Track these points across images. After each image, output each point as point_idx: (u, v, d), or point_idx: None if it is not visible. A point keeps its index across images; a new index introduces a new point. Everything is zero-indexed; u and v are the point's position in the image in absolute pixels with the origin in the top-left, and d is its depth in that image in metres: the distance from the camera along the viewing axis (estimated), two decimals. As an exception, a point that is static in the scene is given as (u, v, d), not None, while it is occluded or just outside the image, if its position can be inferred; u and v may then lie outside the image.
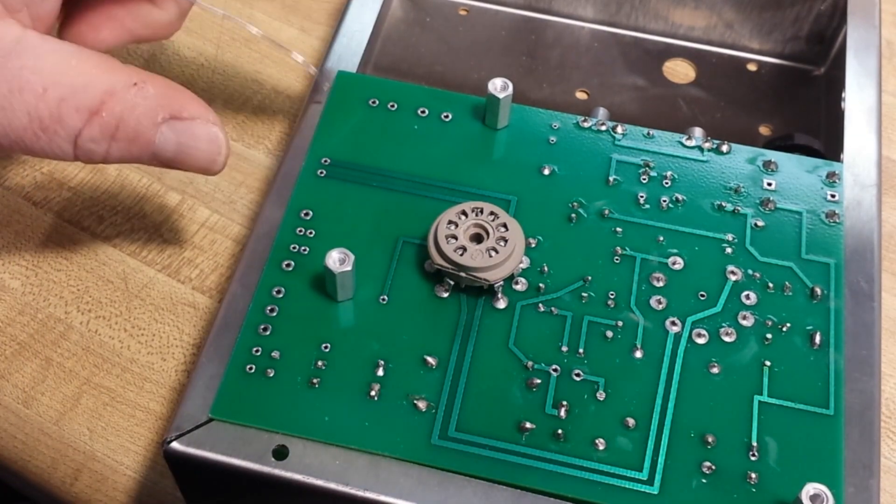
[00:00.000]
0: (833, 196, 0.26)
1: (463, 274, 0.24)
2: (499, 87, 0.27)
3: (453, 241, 0.24)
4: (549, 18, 0.34)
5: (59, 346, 0.28)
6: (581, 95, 0.33)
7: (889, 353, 0.29)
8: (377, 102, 0.28)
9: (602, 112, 0.30)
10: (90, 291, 0.29)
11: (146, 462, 0.26)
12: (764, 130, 0.32)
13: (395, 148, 0.27)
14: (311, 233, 0.25)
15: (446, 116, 0.28)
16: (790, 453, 0.22)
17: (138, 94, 0.23)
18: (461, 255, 0.24)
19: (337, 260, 0.23)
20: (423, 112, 0.28)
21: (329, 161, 0.27)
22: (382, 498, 0.22)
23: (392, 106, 0.28)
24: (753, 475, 0.22)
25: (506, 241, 0.24)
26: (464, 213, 0.24)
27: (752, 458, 0.22)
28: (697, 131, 0.30)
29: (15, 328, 0.28)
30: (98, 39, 0.27)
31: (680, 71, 0.34)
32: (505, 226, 0.24)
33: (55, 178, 0.31)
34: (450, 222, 0.24)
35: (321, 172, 0.27)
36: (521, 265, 0.25)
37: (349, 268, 0.23)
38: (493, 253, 0.24)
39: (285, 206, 0.26)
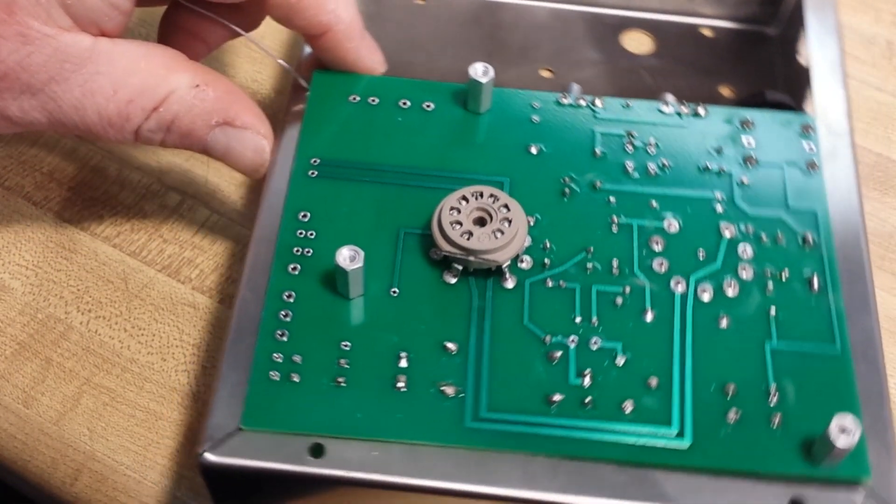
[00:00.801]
0: (810, 147, 0.28)
1: (472, 258, 0.24)
2: (480, 71, 0.27)
3: (458, 226, 0.24)
4: (506, 1, 0.35)
5: (59, 346, 0.28)
6: (546, 74, 0.33)
7: (889, 353, 0.29)
8: (358, 98, 0.28)
9: (576, 88, 0.31)
10: (90, 291, 0.29)
11: (146, 462, 0.26)
12: (726, 92, 0.33)
13: (382, 142, 0.27)
14: (311, 234, 0.25)
15: (428, 106, 0.28)
16: (807, 393, 0.23)
17: (197, 95, 0.25)
18: (468, 239, 0.24)
19: (347, 257, 0.23)
20: (404, 104, 0.28)
21: (319, 161, 0.27)
22: (424, 483, 0.22)
23: (373, 100, 0.28)
24: (776, 418, 0.23)
25: (510, 221, 0.24)
26: (464, 198, 0.25)
27: (773, 403, 0.23)
28: (671, 97, 0.30)
29: (15, 328, 0.28)
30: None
31: (638, 42, 0.34)
32: (506, 206, 0.25)
33: (55, 178, 0.31)
34: (452, 208, 0.25)
35: (312, 173, 0.27)
36: (526, 243, 0.25)
37: (360, 264, 0.23)
38: (498, 234, 0.24)
39: (281, 208, 0.26)
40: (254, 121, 0.27)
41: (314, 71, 0.29)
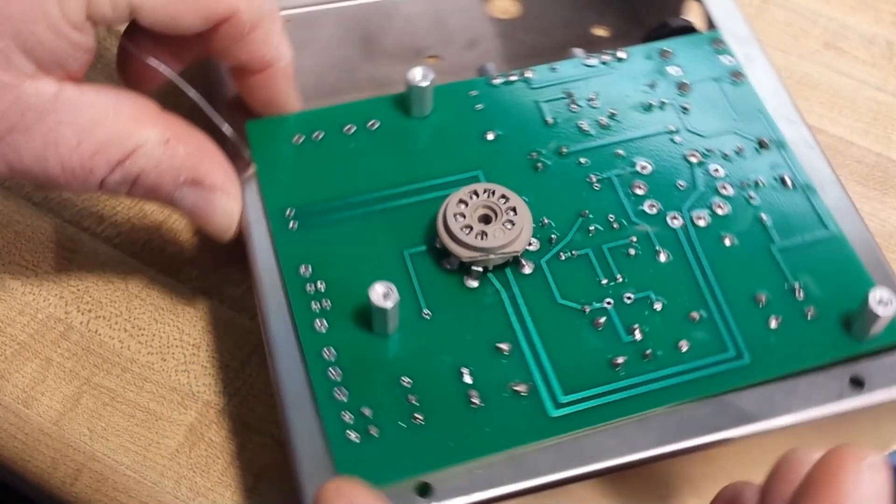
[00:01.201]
0: (729, 60, 0.29)
1: (492, 256, 0.24)
2: (419, 76, 0.27)
3: (470, 230, 0.24)
4: (366, 2, 0.33)
5: (59, 346, 0.28)
6: (433, 62, 0.34)
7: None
8: (302, 138, 0.27)
9: (491, 66, 0.31)
10: (90, 291, 0.29)
11: (146, 462, 0.26)
12: (600, 32, 0.35)
13: (344, 173, 0.27)
14: (321, 285, 0.25)
15: (373, 124, 0.28)
16: (823, 278, 0.25)
17: (167, 151, 0.24)
18: (484, 239, 0.24)
19: (382, 295, 0.23)
20: (349, 129, 0.27)
21: (293, 211, 0.26)
22: (535, 483, 0.22)
23: (318, 135, 0.27)
24: (810, 311, 0.25)
25: (514, 210, 0.25)
26: (462, 202, 0.25)
27: (800, 297, 0.25)
28: (578, 51, 0.32)
29: (15, 328, 0.28)
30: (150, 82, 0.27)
31: (505, 8, 0.35)
32: (504, 197, 0.25)
33: (55, 178, 0.31)
34: (455, 215, 0.25)
35: (293, 225, 0.26)
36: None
37: (397, 296, 0.23)
38: (509, 225, 0.24)
39: (276, 272, 0.25)
40: (224, 181, 0.25)
41: (247, 122, 0.27)
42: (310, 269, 0.25)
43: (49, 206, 0.31)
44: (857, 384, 0.24)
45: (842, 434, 0.25)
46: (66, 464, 0.26)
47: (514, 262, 0.25)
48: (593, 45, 0.33)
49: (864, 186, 0.33)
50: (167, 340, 0.28)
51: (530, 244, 0.25)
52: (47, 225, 0.30)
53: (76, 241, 0.30)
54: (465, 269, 0.25)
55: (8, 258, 0.30)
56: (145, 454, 0.27)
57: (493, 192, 0.25)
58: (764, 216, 0.26)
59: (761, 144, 0.28)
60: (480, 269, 0.25)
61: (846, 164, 0.33)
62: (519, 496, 0.22)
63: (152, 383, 0.28)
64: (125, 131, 0.24)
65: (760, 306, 0.25)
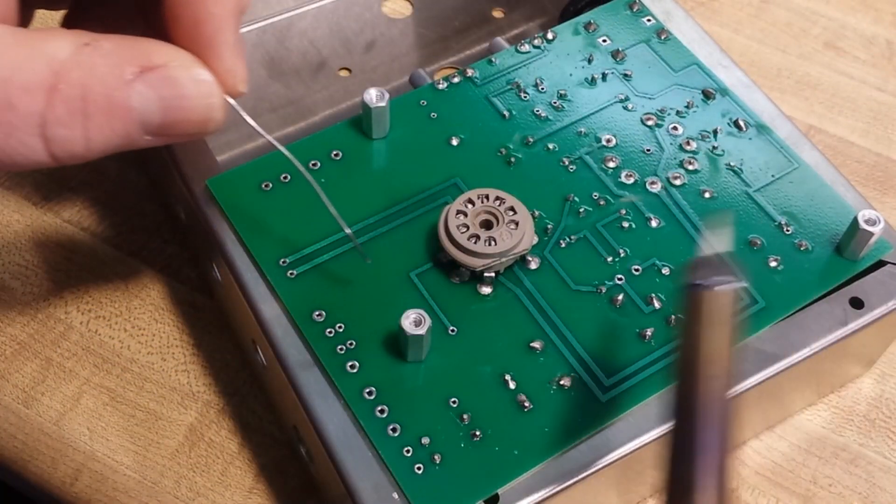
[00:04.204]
0: (648, 20, 0.30)
1: (504, 259, 0.24)
2: (375, 97, 0.27)
3: (476, 239, 0.24)
4: (261, 25, 0.32)
5: (59, 346, 0.28)
6: (344, 74, 0.34)
7: (889, 353, 0.29)
8: (270, 185, 0.26)
9: (422, 72, 0.32)
10: (90, 291, 0.29)
11: (146, 462, 0.26)
12: (498, 14, 0.35)
13: (324, 209, 0.25)
14: (340, 327, 0.24)
15: (336, 154, 0.27)
16: (804, 210, 0.26)
17: (93, 53, 0.19)
18: (493, 244, 0.24)
19: (414, 322, 0.23)
20: (314, 165, 0.27)
21: (286, 261, 0.25)
22: (600, 465, 0.23)
23: (285, 178, 0.26)
24: (803, 244, 0.26)
25: (514, 209, 0.25)
26: (461, 212, 0.25)
27: (789, 232, 0.26)
28: (500, 40, 0.32)
29: (15, 328, 0.28)
30: None
31: (397, 9, 0.35)
32: (499, 199, 0.25)
33: (55, 178, 0.31)
34: (459, 227, 0.24)
35: (291, 273, 0.25)
36: None
37: (429, 321, 0.23)
38: (513, 226, 0.24)
39: (290, 326, 0.24)
40: (173, 52, 0.20)
41: (207, 181, 0.26)
42: (324, 313, 0.24)
43: (49, 206, 0.31)
44: (858, 305, 0.25)
45: (850, 351, 0.26)
46: (66, 464, 0.26)
47: (521, 261, 0.25)
48: (495, 26, 0.34)
49: (864, 186, 0.33)
50: (167, 340, 0.28)
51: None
52: (47, 225, 0.30)
53: (76, 241, 0.30)
54: (475, 277, 0.25)
55: (8, 258, 0.30)
56: (145, 454, 0.27)
57: (488, 197, 0.25)
58: (732, 163, 0.27)
59: (706, 95, 0.28)
60: (493, 274, 0.25)
61: (846, 164, 0.33)
62: (580, 483, 0.23)
63: (152, 383, 0.28)
64: (32, 49, 0.18)
65: (756, 249, 0.26)
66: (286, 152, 0.23)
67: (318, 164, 0.27)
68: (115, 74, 0.19)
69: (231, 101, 0.21)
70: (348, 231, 0.24)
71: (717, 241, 0.21)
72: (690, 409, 0.19)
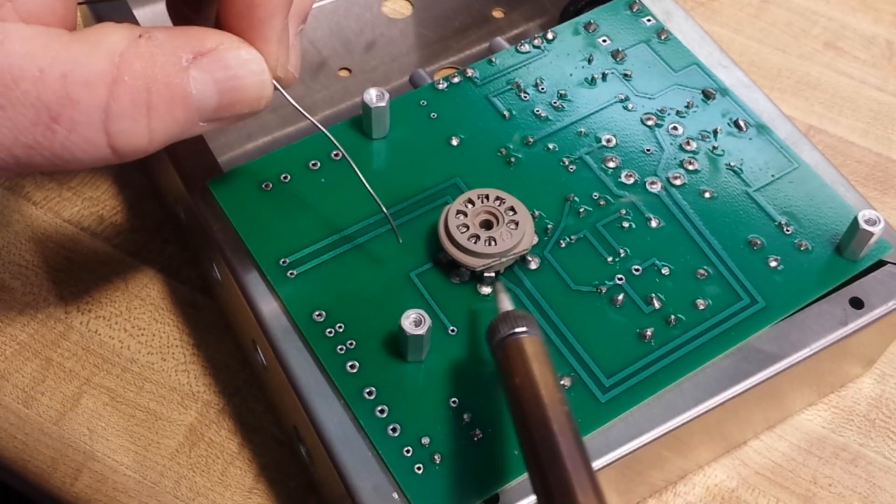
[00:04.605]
0: (649, 20, 0.30)
1: (505, 259, 0.24)
2: (375, 97, 0.26)
3: (477, 239, 0.24)
4: None
5: (59, 346, 0.28)
6: (344, 74, 0.34)
7: (889, 353, 0.29)
8: (270, 185, 0.26)
9: (422, 72, 0.32)
10: (90, 291, 0.29)
11: (146, 462, 0.26)
12: (498, 14, 0.35)
13: (325, 209, 0.26)
14: (340, 327, 0.24)
15: (336, 155, 0.27)
16: (803, 210, 0.26)
17: (150, 44, 0.19)
18: (494, 244, 0.24)
19: (414, 322, 0.23)
20: (314, 165, 0.27)
21: (287, 261, 0.25)
22: (600, 465, 0.23)
23: (285, 177, 0.26)
24: (803, 244, 0.26)
25: (514, 209, 0.25)
26: (461, 212, 0.24)
27: (789, 231, 0.26)
28: (500, 40, 0.32)
29: (15, 328, 0.28)
30: None
31: (397, 9, 0.35)
32: (499, 199, 0.25)
33: (55, 177, 0.31)
34: (459, 227, 0.24)
35: (291, 273, 0.25)
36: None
37: (429, 321, 0.23)
38: (513, 225, 0.24)
39: (290, 327, 0.24)
40: (220, 37, 0.20)
41: (207, 181, 0.26)
42: (324, 313, 0.24)
43: (49, 206, 0.31)
44: (858, 305, 0.25)
45: (850, 351, 0.26)
46: (66, 464, 0.26)
47: (521, 261, 0.25)
48: (495, 26, 0.34)
49: (864, 186, 0.33)
50: (167, 340, 0.28)
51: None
52: (47, 225, 0.30)
53: (76, 241, 0.30)
54: (475, 277, 0.25)
55: (8, 258, 0.30)
56: (145, 454, 0.27)
57: (488, 197, 0.25)
58: (733, 163, 0.27)
59: (707, 95, 0.29)
60: (493, 273, 0.25)
61: (846, 164, 0.33)
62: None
63: (152, 383, 0.28)
64: (90, 45, 0.18)
65: (757, 249, 0.26)
66: (328, 133, 0.24)
67: (319, 164, 0.27)
68: (173, 62, 0.19)
69: (276, 85, 0.22)
70: (385, 211, 0.25)
71: (506, 301, 0.23)
72: (547, 431, 0.20)
